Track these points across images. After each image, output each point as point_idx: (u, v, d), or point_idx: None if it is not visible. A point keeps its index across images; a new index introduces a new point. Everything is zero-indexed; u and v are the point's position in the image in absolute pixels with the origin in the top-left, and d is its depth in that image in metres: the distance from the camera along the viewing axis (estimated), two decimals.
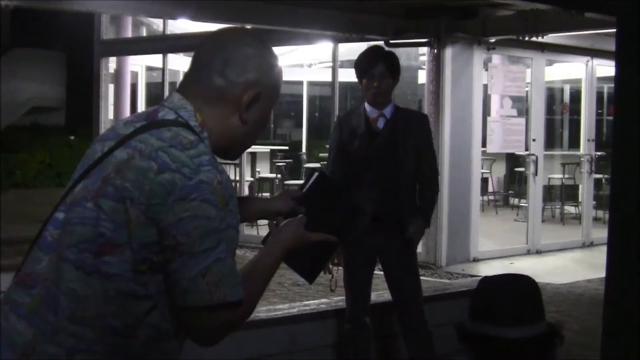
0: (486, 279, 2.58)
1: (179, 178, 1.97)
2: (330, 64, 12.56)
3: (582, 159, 13.45)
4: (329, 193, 2.55)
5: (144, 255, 1.99)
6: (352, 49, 11.90)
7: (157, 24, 14.80)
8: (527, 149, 12.49)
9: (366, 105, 5.36)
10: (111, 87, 14.86)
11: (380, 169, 5.25)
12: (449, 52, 11.02)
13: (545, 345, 2.43)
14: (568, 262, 11.65)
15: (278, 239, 2.31)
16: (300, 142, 17.68)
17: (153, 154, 2.01)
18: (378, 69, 5.25)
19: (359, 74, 5.34)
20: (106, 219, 2.00)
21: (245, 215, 2.55)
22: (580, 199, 14.02)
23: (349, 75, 12.60)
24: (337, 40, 11.93)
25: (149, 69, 15.47)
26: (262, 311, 6.14)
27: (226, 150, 2.24)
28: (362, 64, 5.33)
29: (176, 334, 2.10)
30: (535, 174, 12.36)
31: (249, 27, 11.88)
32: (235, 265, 2.05)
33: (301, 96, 17.76)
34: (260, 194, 14.55)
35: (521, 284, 2.50)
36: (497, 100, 12.14)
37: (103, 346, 2.00)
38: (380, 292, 6.28)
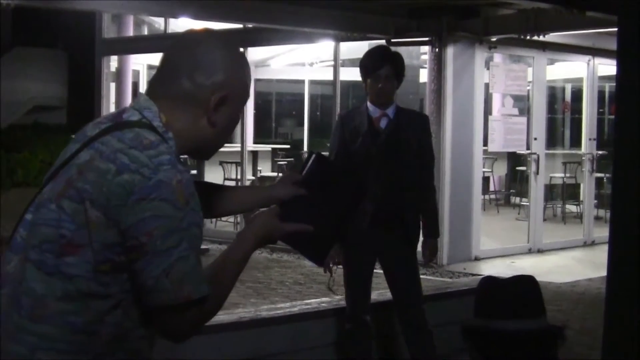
0: (487, 278, 2.60)
1: (138, 179, 1.97)
2: (332, 63, 12.57)
3: (583, 158, 13.46)
4: (329, 173, 2.52)
5: (105, 255, 1.99)
6: (354, 48, 11.93)
7: (159, 22, 14.82)
8: (528, 148, 12.50)
9: (369, 104, 5.35)
10: (113, 85, 14.89)
11: (382, 169, 5.25)
12: (450, 51, 11.02)
13: (545, 342, 2.44)
14: (569, 261, 11.66)
15: (250, 230, 2.29)
16: (302, 140, 17.68)
17: (112, 156, 2.01)
18: (384, 70, 5.24)
19: (363, 74, 5.33)
20: (67, 220, 2.00)
21: (247, 204, 2.56)
22: (581, 198, 14.02)
23: (350, 74, 12.63)
24: (339, 39, 11.93)
25: (151, 67, 15.47)
26: (264, 310, 6.15)
27: (196, 151, 2.24)
28: (368, 64, 5.31)
29: (143, 333, 2.10)
30: (537, 172, 12.36)
31: (250, 25, 11.92)
32: (200, 262, 2.05)
33: (303, 95, 17.76)
34: None
35: (521, 281, 2.53)
36: (499, 99, 12.15)
37: (64, 344, 2.01)
38: (381, 291, 6.28)
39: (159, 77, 2.19)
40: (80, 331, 2.01)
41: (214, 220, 12.81)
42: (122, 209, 1.96)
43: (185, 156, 2.28)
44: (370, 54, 5.40)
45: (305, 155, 2.53)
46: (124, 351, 2.07)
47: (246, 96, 2.27)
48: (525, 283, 2.53)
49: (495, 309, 2.44)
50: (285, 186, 2.47)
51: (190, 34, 2.26)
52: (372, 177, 5.15)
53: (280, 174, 15.20)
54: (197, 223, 2.04)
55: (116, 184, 1.97)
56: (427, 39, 11.04)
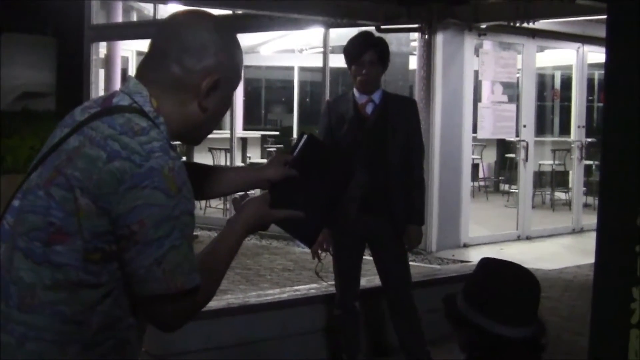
0: (489, 264, 2.55)
1: (129, 166, 1.92)
2: (321, 50, 12.54)
3: (572, 146, 13.48)
4: (320, 155, 2.50)
5: (95, 244, 1.95)
6: (343, 35, 11.86)
7: (148, 9, 14.76)
8: (517, 135, 12.50)
9: (355, 91, 5.35)
10: (102, 72, 14.83)
11: (369, 155, 5.25)
12: (440, 38, 11.01)
13: (535, 346, 2.43)
14: (558, 248, 11.69)
15: (240, 217, 2.26)
16: (291, 127, 17.67)
17: (102, 142, 1.96)
18: (368, 56, 5.23)
19: (348, 61, 5.33)
20: (56, 208, 1.96)
21: (236, 186, 2.52)
22: (570, 185, 14.05)
23: (340, 61, 12.57)
24: (328, 26, 11.89)
25: (140, 54, 15.40)
26: (253, 296, 6.16)
27: (187, 136, 2.20)
28: (351, 51, 5.31)
29: (132, 322, 2.08)
30: (526, 160, 12.38)
31: (239, 11, 11.87)
32: (192, 250, 2.02)
33: (292, 82, 17.74)
34: None
35: (525, 284, 2.48)
36: (488, 86, 12.14)
37: (53, 334, 1.98)
38: (370, 278, 6.29)
39: (147, 62, 2.13)
40: (70, 321, 1.98)
41: (203, 206, 12.81)
42: (113, 197, 1.92)
43: (178, 142, 2.25)
44: (354, 40, 5.38)
45: (295, 140, 2.51)
46: (112, 340, 2.04)
47: (238, 79, 2.21)
48: (529, 286, 2.49)
49: (493, 309, 2.41)
50: (275, 167, 2.44)
51: (177, 16, 2.17)
52: (359, 163, 5.15)
53: None
54: (189, 211, 2.00)
55: (107, 172, 1.92)
56: (416, 25, 11.01)
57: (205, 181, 2.48)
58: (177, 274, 1.97)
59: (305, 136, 2.49)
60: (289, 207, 2.35)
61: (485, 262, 2.56)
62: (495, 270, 2.52)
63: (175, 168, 1.97)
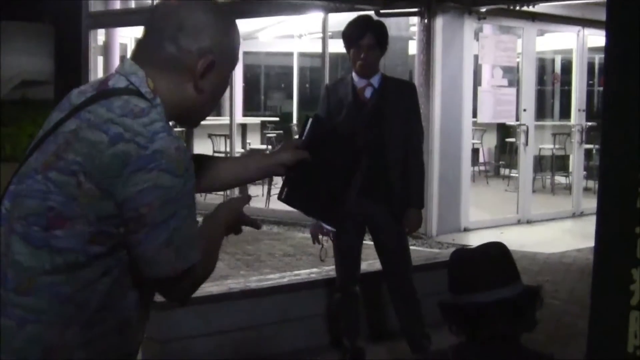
0: (457, 252, 2.61)
1: (134, 148, 1.92)
2: (321, 35, 12.52)
3: (572, 129, 13.47)
4: (328, 136, 2.52)
5: (99, 228, 1.95)
6: (343, 20, 11.78)
7: None
8: (517, 119, 12.49)
9: (354, 75, 5.33)
10: (100, 59, 14.81)
11: (368, 139, 5.23)
12: (439, 22, 10.98)
13: (522, 306, 2.45)
14: (558, 232, 11.69)
15: (218, 217, 2.29)
16: (291, 113, 17.65)
17: (102, 126, 1.95)
18: (366, 39, 5.21)
19: (346, 44, 5.31)
20: (56, 193, 1.95)
21: (252, 174, 2.52)
22: (570, 169, 14.04)
23: (339, 46, 12.53)
24: (328, 11, 11.87)
25: None
26: (253, 281, 6.17)
27: (184, 118, 2.19)
28: (350, 34, 5.29)
29: (133, 303, 2.08)
30: (526, 144, 12.37)
31: None
32: (197, 225, 2.06)
33: (291, 67, 17.71)
34: None
35: (490, 251, 2.52)
36: (488, 70, 12.12)
37: (52, 316, 1.97)
38: (370, 262, 6.30)
39: (143, 43, 2.13)
40: (69, 301, 1.98)
41: (203, 193, 12.79)
42: (117, 180, 1.92)
43: (179, 129, 2.24)
44: (352, 23, 5.36)
45: (296, 130, 2.52)
46: (112, 321, 2.05)
47: (235, 61, 2.20)
48: (495, 252, 2.53)
49: (468, 283, 2.45)
50: (288, 152, 2.44)
51: None
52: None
53: (270, 147, 15.21)
54: (194, 187, 2.03)
55: (110, 155, 1.92)
56: (416, 9, 10.99)
57: (221, 172, 2.48)
58: (182, 253, 2.00)
59: (310, 119, 2.49)
60: (310, 189, 2.39)
61: (453, 253, 2.61)
62: (461, 253, 2.58)
63: (181, 147, 1.98)
